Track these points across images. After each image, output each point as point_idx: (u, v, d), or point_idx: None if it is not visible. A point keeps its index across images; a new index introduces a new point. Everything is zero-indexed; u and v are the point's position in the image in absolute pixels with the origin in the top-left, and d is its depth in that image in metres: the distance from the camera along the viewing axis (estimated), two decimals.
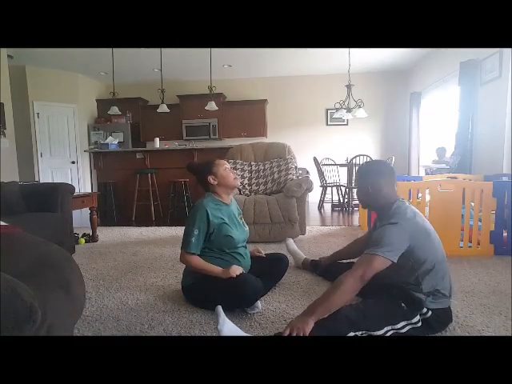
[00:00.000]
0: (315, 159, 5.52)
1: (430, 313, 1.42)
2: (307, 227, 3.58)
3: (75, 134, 6.42)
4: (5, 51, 4.30)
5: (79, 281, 1.33)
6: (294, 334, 1.23)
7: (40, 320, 0.83)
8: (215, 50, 5.02)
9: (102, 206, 5.22)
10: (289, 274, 2.21)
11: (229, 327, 1.38)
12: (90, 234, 3.51)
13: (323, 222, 4.43)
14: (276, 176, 3.58)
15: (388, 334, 1.34)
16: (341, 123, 6.78)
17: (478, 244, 2.67)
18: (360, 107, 4.94)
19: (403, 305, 1.40)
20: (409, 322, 1.38)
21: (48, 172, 6.19)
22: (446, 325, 1.49)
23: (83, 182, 6.49)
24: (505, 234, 2.65)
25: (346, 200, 5.32)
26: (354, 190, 5.30)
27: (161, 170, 5.21)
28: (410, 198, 2.79)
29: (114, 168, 5.43)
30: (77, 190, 3.36)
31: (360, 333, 1.32)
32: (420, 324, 1.39)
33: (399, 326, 1.36)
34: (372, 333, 1.33)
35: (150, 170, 5.08)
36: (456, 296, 1.84)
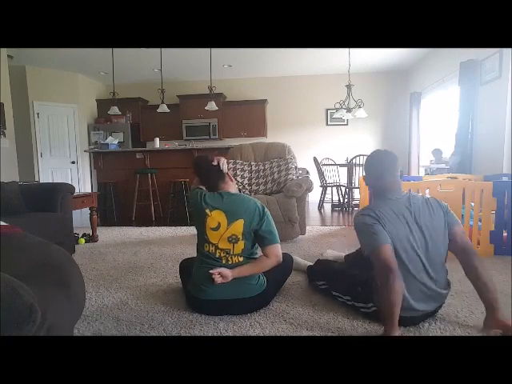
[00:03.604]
0: (315, 159, 5.52)
1: (373, 309, 1.54)
2: (307, 227, 3.58)
3: (75, 134, 6.42)
4: (5, 51, 4.30)
5: (79, 281, 1.33)
6: None
7: (40, 320, 0.83)
8: (215, 50, 5.01)
9: (102, 205, 5.21)
10: None
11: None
12: (90, 234, 3.51)
13: (323, 222, 4.43)
14: (276, 176, 3.58)
15: (337, 298, 1.75)
16: (341, 123, 6.77)
17: (478, 244, 2.67)
18: (360, 107, 4.94)
19: (359, 289, 1.61)
20: (353, 301, 1.65)
21: (48, 172, 6.19)
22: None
23: (83, 182, 6.49)
24: (505, 234, 2.65)
25: (346, 200, 5.32)
26: (355, 190, 5.31)
27: (161, 170, 5.21)
28: None
29: (114, 168, 5.43)
30: (77, 190, 3.36)
31: (321, 283, 1.89)
32: (363, 311, 1.61)
33: (345, 298, 1.70)
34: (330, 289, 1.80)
35: (150, 170, 5.08)
36: (456, 296, 1.84)
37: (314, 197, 6.09)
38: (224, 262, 1.70)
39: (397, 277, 1.32)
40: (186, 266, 1.96)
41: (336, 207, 5.60)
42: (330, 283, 1.83)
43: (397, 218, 1.45)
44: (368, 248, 1.42)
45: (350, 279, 1.69)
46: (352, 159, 5.08)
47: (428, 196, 1.59)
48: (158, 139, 6.13)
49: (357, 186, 5.11)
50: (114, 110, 5.01)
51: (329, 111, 6.79)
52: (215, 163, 1.83)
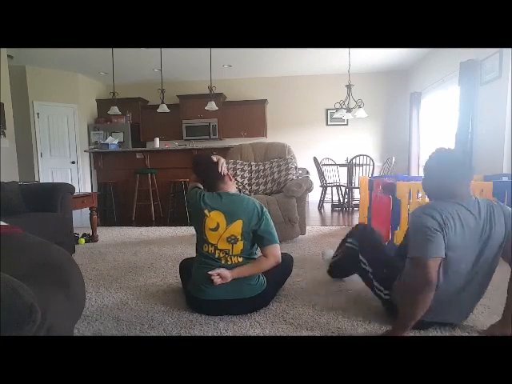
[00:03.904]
0: (315, 159, 5.52)
1: (386, 298, 1.58)
2: (307, 227, 3.58)
3: (75, 134, 6.41)
4: (5, 51, 4.29)
5: (79, 281, 1.34)
6: None
7: (40, 320, 0.83)
8: (215, 50, 5.01)
9: (102, 205, 5.21)
10: None
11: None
12: (90, 234, 3.51)
13: (323, 222, 4.43)
14: (276, 176, 3.58)
15: (361, 263, 1.72)
16: (341, 123, 6.77)
17: None
18: (360, 107, 4.94)
19: (384, 270, 1.62)
20: (373, 277, 1.65)
21: (48, 172, 6.18)
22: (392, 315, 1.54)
23: (83, 182, 6.49)
24: None
25: (346, 200, 5.32)
26: (355, 190, 5.31)
27: (161, 170, 5.21)
28: (410, 198, 2.79)
29: (114, 168, 5.42)
30: (77, 190, 3.36)
31: (352, 240, 1.84)
32: (377, 292, 1.63)
33: (368, 268, 1.69)
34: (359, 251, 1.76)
35: (150, 170, 5.08)
36: None
37: (314, 197, 6.09)
38: (223, 262, 1.70)
39: (432, 293, 1.27)
40: (185, 266, 1.96)
41: (336, 207, 5.60)
42: (362, 248, 1.78)
43: (461, 229, 1.32)
44: (417, 252, 1.33)
45: (383, 255, 1.71)
46: (352, 159, 5.08)
47: (491, 201, 1.43)
48: (157, 139, 6.12)
49: (357, 186, 5.11)
50: (114, 110, 5.01)
51: (329, 111, 6.79)
52: (215, 159, 1.84)
